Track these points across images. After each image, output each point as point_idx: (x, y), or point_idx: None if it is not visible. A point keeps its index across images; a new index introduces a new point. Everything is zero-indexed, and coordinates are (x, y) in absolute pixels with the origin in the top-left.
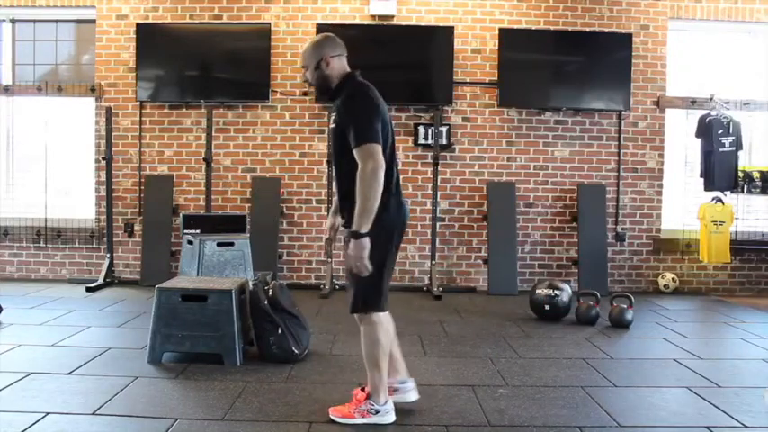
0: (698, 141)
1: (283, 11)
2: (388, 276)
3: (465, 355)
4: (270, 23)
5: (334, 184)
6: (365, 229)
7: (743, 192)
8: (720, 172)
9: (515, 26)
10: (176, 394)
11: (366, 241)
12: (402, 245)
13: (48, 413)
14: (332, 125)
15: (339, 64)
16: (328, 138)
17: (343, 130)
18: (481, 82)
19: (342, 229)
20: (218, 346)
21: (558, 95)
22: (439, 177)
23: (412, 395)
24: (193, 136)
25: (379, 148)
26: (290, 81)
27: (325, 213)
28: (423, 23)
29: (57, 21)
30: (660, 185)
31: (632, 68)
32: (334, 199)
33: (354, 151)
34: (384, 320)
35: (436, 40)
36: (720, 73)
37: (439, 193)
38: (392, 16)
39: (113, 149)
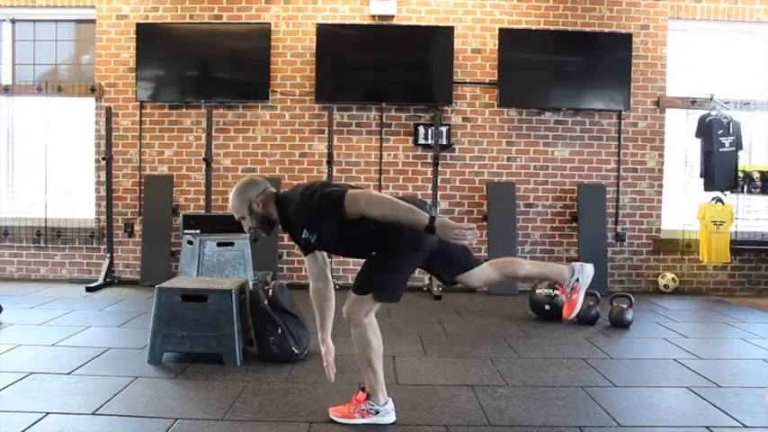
0: (698, 141)
1: (283, 11)
2: (403, 276)
3: (465, 355)
4: (270, 23)
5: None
6: (425, 220)
7: (743, 192)
8: (720, 172)
9: (515, 26)
10: (176, 394)
11: (440, 219)
12: None
13: (48, 413)
14: (313, 240)
15: (266, 197)
16: (323, 248)
17: (324, 226)
18: (481, 82)
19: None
20: (218, 346)
21: (558, 95)
22: (439, 177)
23: None
24: (193, 136)
25: (352, 191)
26: (290, 81)
27: None
28: (423, 23)
29: (57, 21)
30: (660, 185)
31: (632, 68)
32: (318, 326)
33: (349, 210)
34: (375, 323)
35: (436, 40)
36: (720, 73)
37: (439, 193)
38: (392, 16)
39: (113, 149)
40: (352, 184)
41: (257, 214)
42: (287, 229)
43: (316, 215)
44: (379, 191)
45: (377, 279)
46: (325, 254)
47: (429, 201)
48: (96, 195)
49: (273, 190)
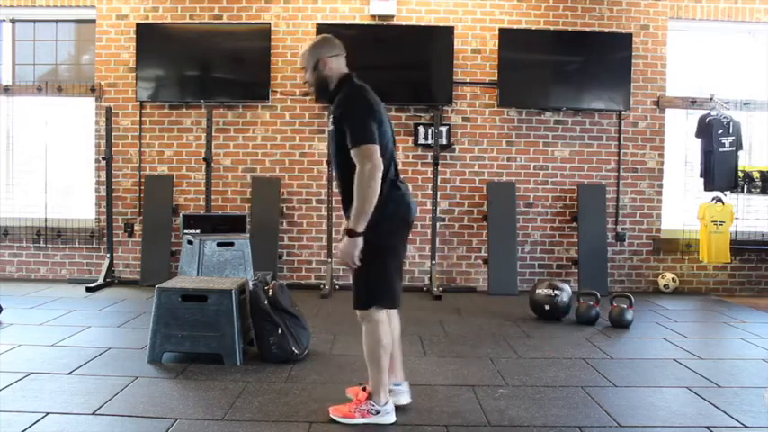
0: (698, 141)
1: (283, 11)
2: (397, 273)
3: (465, 355)
4: (270, 23)
5: (335, 184)
6: (360, 228)
7: (743, 192)
8: (720, 172)
9: (515, 26)
10: (176, 394)
11: (359, 240)
12: None
13: (48, 413)
14: (330, 127)
15: (337, 64)
16: (328, 140)
17: (342, 131)
18: (481, 82)
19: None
20: (219, 346)
21: (558, 95)
22: (439, 177)
23: (404, 399)
24: (193, 136)
25: (375, 148)
26: (290, 81)
27: (326, 213)
28: (423, 23)
29: (57, 21)
30: (660, 185)
31: (632, 68)
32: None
33: (351, 152)
34: (386, 320)
35: (436, 40)
36: (720, 73)
37: (439, 193)
38: (392, 16)
39: (113, 149)
40: (391, 136)
41: (319, 73)
42: (330, 102)
43: (340, 116)
44: None
45: (373, 288)
46: None
47: (429, 200)
48: (96, 195)
49: (347, 71)
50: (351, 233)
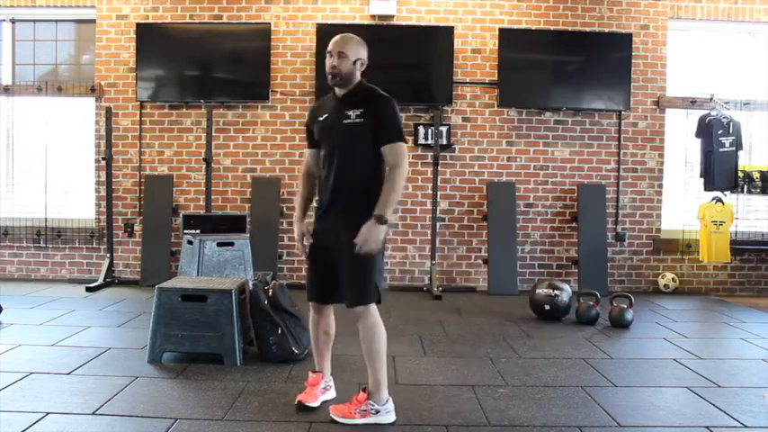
0: (698, 141)
1: (283, 11)
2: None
3: (465, 355)
4: (270, 23)
5: (329, 182)
6: (388, 216)
7: (743, 192)
8: (720, 172)
9: (515, 26)
10: (176, 394)
11: (386, 228)
12: (402, 245)
13: (48, 413)
14: (355, 120)
15: (363, 70)
16: (341, 133)
17: (372, 127)
18: (481, 82)
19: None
20: (219, 346)
21: (558, 95)
22: (439, 177)
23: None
24: (193, 136)
25: (404, 151)
26: (290, 81)
27: None
28: (423, 23)
29: (57, 21)
30: (660, 185)
31: (632, 68)
32: (297, 206)
33: (389, 147)
34: (379, 317)
35: (436, 40)
36: (720, 73)
37: (439, 193)
38: (392, 16)
39: (113, 149)
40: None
41: (351, 69)
42: (339, 106)
43: (378, 112)
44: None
45: (369, 285)
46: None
47: (429, 200)
48: (96, 195)
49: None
50: (381, 220)
